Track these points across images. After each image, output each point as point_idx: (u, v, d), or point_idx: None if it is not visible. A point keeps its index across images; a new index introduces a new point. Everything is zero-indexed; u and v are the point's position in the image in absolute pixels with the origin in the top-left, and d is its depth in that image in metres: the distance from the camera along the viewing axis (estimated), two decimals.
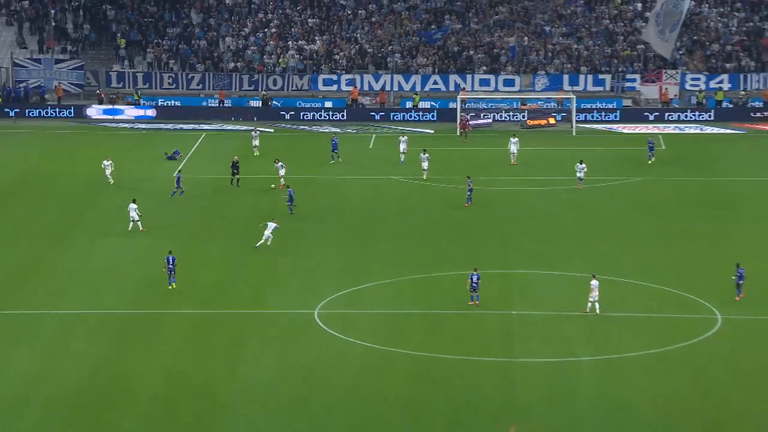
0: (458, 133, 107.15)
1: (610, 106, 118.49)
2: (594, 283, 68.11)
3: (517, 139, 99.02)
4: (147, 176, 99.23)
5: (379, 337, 66.63)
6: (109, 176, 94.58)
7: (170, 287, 72.18)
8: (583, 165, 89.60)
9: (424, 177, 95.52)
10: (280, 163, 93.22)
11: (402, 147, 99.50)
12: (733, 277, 69.49)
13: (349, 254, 79.77)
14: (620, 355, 63.56)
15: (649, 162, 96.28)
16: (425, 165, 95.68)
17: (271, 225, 78.60)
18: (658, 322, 68.32)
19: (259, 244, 78.64)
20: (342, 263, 78.10)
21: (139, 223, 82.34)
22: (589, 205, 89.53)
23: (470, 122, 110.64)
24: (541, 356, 63.88)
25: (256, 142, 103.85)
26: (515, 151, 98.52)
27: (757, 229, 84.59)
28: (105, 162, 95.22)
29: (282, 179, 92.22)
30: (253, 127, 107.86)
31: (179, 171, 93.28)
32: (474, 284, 69.12)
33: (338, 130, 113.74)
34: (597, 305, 68.11)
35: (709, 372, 62.36)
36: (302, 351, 65.24)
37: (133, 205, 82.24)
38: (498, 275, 75.46)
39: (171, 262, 72.10)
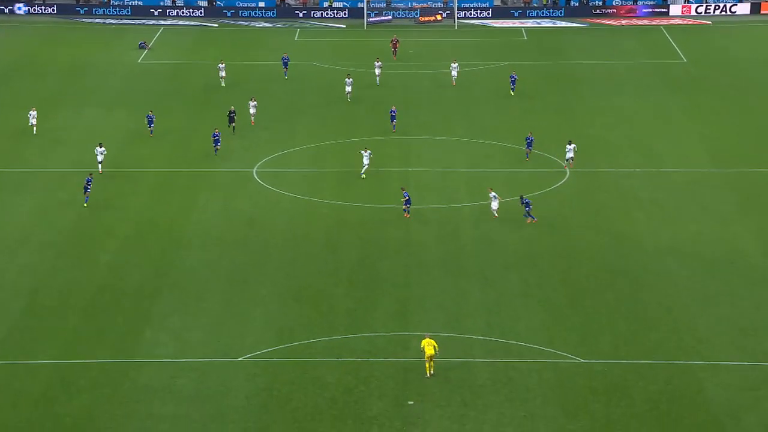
0: (392, 52, 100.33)
1: (484, 5, 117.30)
2: (493, 194, 61.50)
3: (457, 64, 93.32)
4: (119, 60, 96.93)
5: (304, 190, 66.42)
6: (33, 125, 75.83)
7: (85, 205, 63.13)
8: (573, 146, 68.85)
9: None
10: (254, 102, 77.85)
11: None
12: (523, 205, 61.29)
13: (279, 124, 78.92)
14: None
15: (512, 93, 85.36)
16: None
17: (365, 154, 67.40)
18: (520, 175, 68.57)
19: (363, 171, 67.49)
20: (273, 131, 77.26)
21: (100, 165, 67.96)
22: (466, 84, 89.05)
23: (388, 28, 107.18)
24: (432, 204, 64.04)
25: (223, 74, 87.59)
26: (455, 75, 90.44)
27: (594, 101, 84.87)
28: (31, 112, 76.12)
29: (252, 118, 77.59)
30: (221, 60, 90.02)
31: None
32: (406, 201, 61.63)
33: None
34: (496, 211, 61.20)
35: (559, 212, 63.04)
36: (244, 201, 64.98)
37: (99, 149, 68.27)
38: (397, 140, 75.23)
39: (88, 183, 63.09)
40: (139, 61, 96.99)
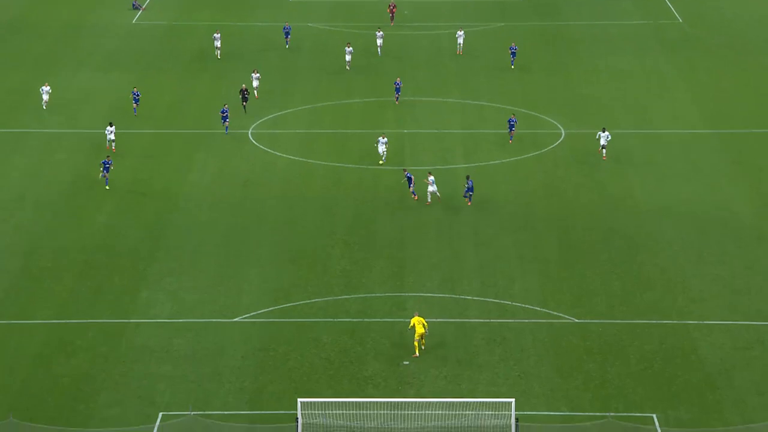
0: (390, 17, 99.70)
1: None
2: (431, 178, 58.65)
3: (463, 32, 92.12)
4: (113, 20, 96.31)
5: (300, 151, 66.34)
6: (45, 101, 72.94)
7: (107, 187, 60.56)
8: (607, 133, 65.07)
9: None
10: (257, 74, 75.43)
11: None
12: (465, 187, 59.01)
13: (274, 85, 78.60)
14: (487, 163, 63.87)
15: (512, 67, 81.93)
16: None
17: (382, 141, 64.10)
18: (515, 137, 68.32)
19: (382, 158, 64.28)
20: (269, 91, 76.92)
21: (113, 143, 65.85)
22: (463, 46, 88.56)
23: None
24: (426, 165, 63.96)
25: (218, 44, 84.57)
26: (461, 42, 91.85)
27: (590, 62, 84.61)
28: (44, 87, 73.29)
29: (256, 91, 75.07)
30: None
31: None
32: (410, 183, 59.55)
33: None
34: (430, 195, 58.65)
35: (554, 173, 63.05)
36: (239, 162, 64.90)
37: (110, 128, 65.99)
38: (392, 103, 75.01)
39: (105, 165, 60.51)
40: (133, 21, 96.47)
